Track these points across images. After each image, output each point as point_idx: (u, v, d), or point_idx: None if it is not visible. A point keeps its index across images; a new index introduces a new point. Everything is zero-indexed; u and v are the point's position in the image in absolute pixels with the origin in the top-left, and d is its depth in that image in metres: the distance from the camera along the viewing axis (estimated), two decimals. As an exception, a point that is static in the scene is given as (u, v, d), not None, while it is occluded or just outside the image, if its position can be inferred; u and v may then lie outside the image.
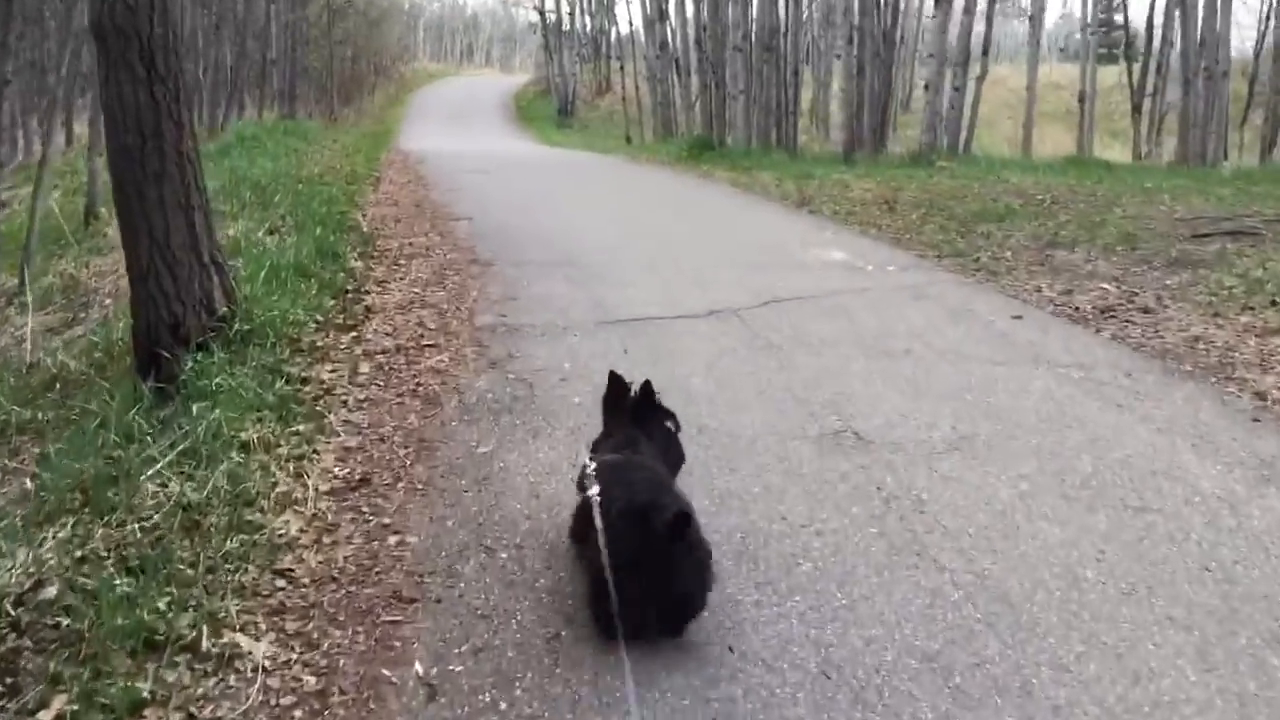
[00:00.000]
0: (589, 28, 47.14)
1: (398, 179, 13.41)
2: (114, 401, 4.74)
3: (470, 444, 4.38)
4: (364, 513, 3.79)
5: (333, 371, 5.20)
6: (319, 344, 5.53)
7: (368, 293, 6.62)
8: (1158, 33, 23.91)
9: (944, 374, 5.37)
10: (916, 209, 11.08)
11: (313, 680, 2.81)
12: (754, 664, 2.87)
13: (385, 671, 2.84)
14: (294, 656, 2.90)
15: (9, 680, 2.78)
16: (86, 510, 3.77)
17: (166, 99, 5.22)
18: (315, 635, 3.00)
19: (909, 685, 2.79)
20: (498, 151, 22.53)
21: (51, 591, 3.17)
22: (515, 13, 68.23)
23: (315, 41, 35.13)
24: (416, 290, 6.81)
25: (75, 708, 2.63)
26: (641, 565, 2.83)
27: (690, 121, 27.32)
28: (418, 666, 2.86)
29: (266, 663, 2.86)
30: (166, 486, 3.90)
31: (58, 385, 5.44)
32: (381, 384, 5.07)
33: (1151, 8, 24.55)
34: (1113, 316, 6.77)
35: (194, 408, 4.44)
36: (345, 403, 4.81)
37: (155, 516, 3.72)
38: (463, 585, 3.27)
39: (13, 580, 3.19)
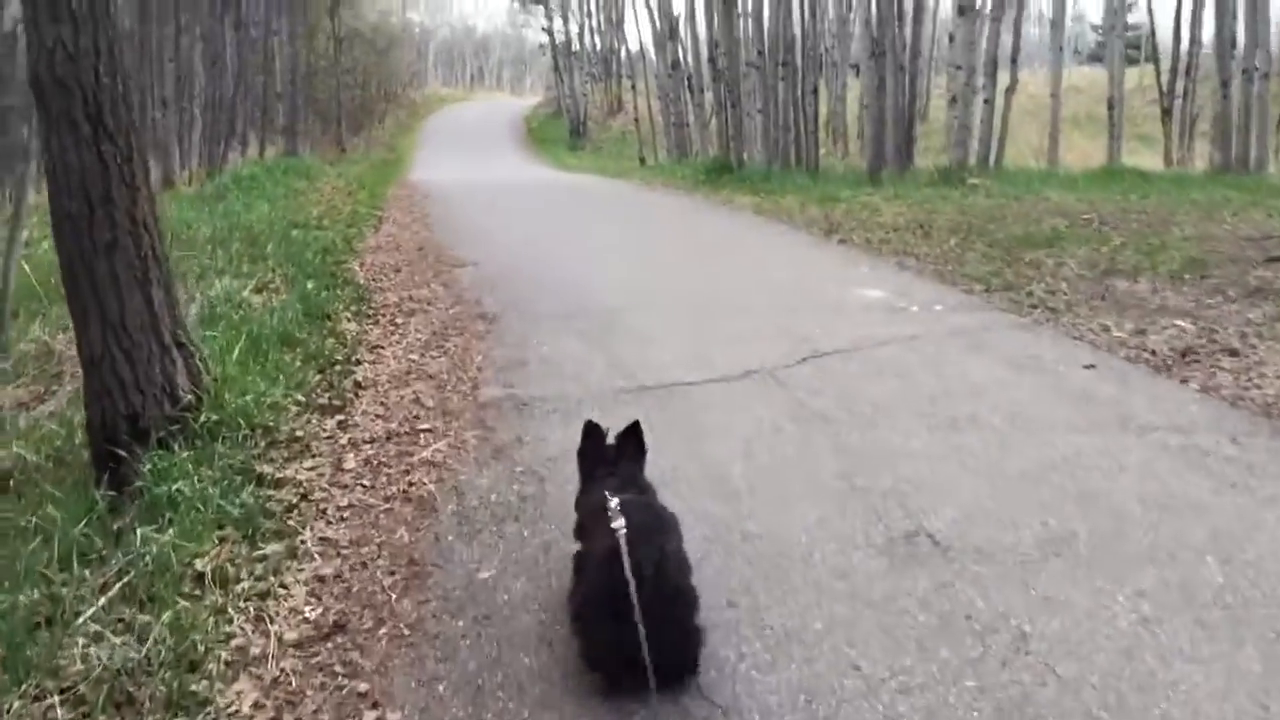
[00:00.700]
0: (598, 47, 46.62)
1: (401, 219, 12.74)
2: (62, 510, 4.07)
3: (469, 566, 3.65)
4: (337, 674, 3.07)
5: (312, 469, 4.49)
6: (298, 433, 4.82)
7: (359, 363, 5.92)
8: (1185, 33, 23.11)
9: (1021, 448, 4.61)
10: (954, 234, 10.33)
11: None
12: None
13: None
14: None
15: None
16: (3, 674, 3.09)
17: (117, 159, 4.55)
18: None
19: None
20: (508, 180, 21.93)
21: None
22: (525, 34, 67.72)
23: (322, 72, 34.65)
24: (414, 357, 6.10)
25: None
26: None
27: (705, 140, 26.66)
28: None
29: None
30: (100, 640, 3.21)
31: (10, 482, 4.76)
32: (368, 484, 4.35)
33: (1179, 7, 23.67)
34: (1195, 361, 6.01)
35: (138, 533, 3.73)
36: (324, 512, 4.09)
37: (82, 686, 3.02)
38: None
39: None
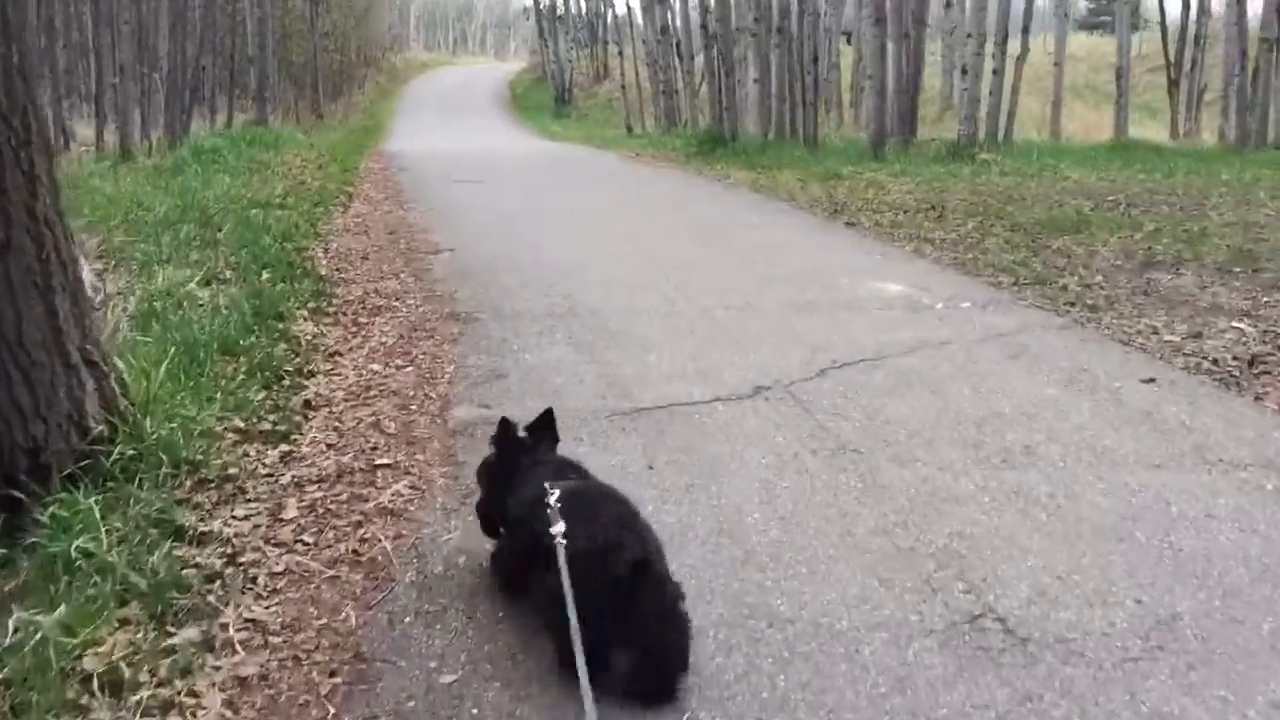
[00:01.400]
0: (584, 11, 45.45)
1: (373, 195, 11.89)
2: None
3: (429, 665, 2.90)
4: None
5: (245, 518, 3.72)
6: (232, 470, 4.04)
7: (312, 375, 5.13)
8: (1194, 0, 22.32)
9: (1091, 491, 3.89)
10: (970, 217, 9.58)
11: None
12: None
13: None
14: None
15: None
16: None
17: (12, 143, 3.76)
18: None
19: None
20: (491, 150, 21.06)
21: None
22: (509, -2, 66.27)
23: (298, 35, 33.51)
24: (376, 367, 5.31)
25: None
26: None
27: (695, 109, 25.74)
28: None
29: None
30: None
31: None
32: (310, 540, 3.59)
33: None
34: (1265, 371, 5.31)
35: (12, 618, 2.98)
36: (253, 581, 3.33)
37: None
38: None
39: None
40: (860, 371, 5.25)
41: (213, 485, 3.94)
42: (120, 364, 4.66)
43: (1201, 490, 3.89)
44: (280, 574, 3.38)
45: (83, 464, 3.84)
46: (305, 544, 3.55)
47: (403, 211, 10.54)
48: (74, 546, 3.38)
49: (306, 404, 4.72)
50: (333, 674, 2.87)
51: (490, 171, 15.18)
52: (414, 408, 4.76)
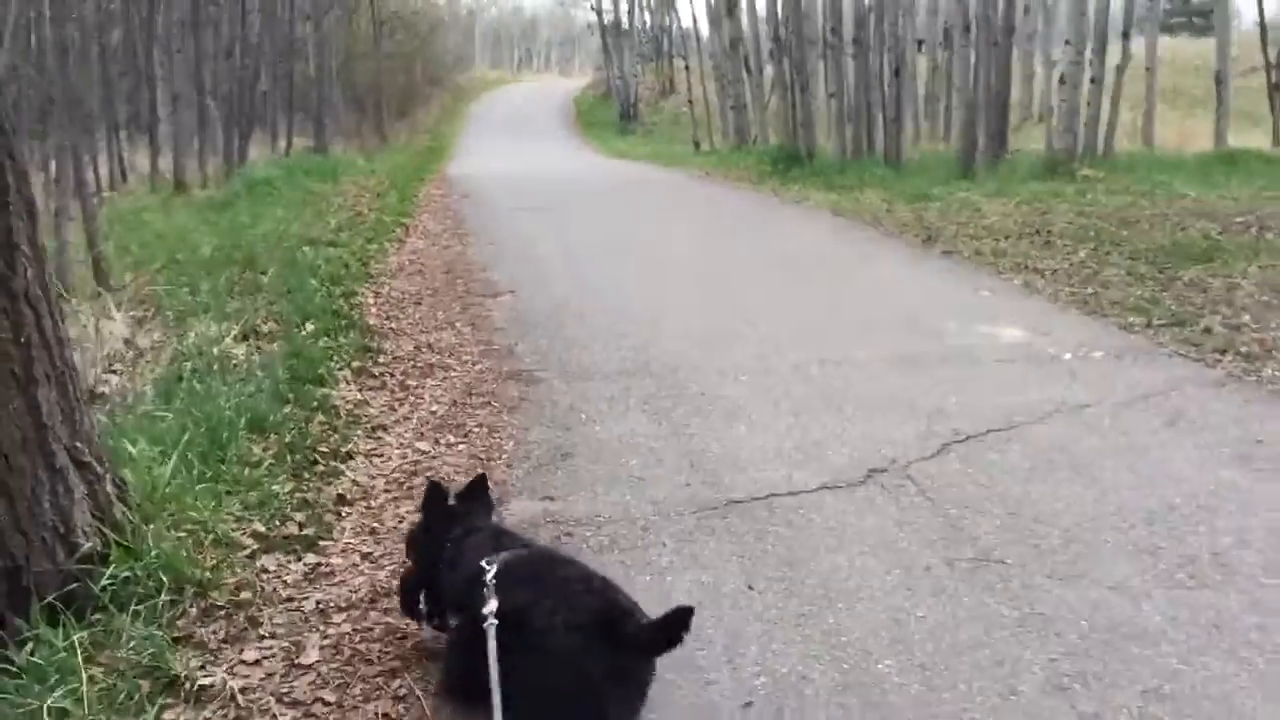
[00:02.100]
0: (649, 25, 44.84)
1: (431, 227, 11.27)
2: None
3: None
4: None
5: (256, 662, 3.04)
6: (244, 592, 3.36)
7: (351, 456, 4.45)
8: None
9: (1320, 630, 3.04)
10: (1081, 243, 8.67)
11: None
12: None
13: None
14: None
15: None
16: None
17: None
18: None
19: None
20: (555, 170, 20.46)
21: None
22: (573, 14, 65.99)
23: (363, 57, 33.33)
24: (423, 446, 4.60)
25: None
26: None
27: (764, 124, 24.91)
28: None
29: None
30: None
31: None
32: (332, 699, 2.88)
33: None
34: None
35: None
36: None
37: None
38: None
39: None
40: (990, 446, 4.44)
41: (222, 613, 3.26)
42: (131, 448, 4.06)
43: None
44: (291, 757, 2.68)
45: (70, 587, 3.21)
46: (326, 703, 2.85)
47: (461, 246, 9.89)
48: (47, 706, 2.74)
49: (340, 498, 4.03)
50: None
51: (554, 196, 14.54)
52: (466, 501, 4.05)
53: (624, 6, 43.08)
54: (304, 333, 6.05)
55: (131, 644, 3.02)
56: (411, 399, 5.24)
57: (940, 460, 4.31)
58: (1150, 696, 2.75)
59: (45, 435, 3.26)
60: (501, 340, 6.30)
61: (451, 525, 2.92)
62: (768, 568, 3.47)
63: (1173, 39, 42.38)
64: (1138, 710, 2.69)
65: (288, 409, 4.82)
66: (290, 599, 3.37)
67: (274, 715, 2.81)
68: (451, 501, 3.04)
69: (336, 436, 4.62)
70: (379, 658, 3.04)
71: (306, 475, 4.21)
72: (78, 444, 3.41)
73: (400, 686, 2.90)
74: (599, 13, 44.76)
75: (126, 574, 3.25)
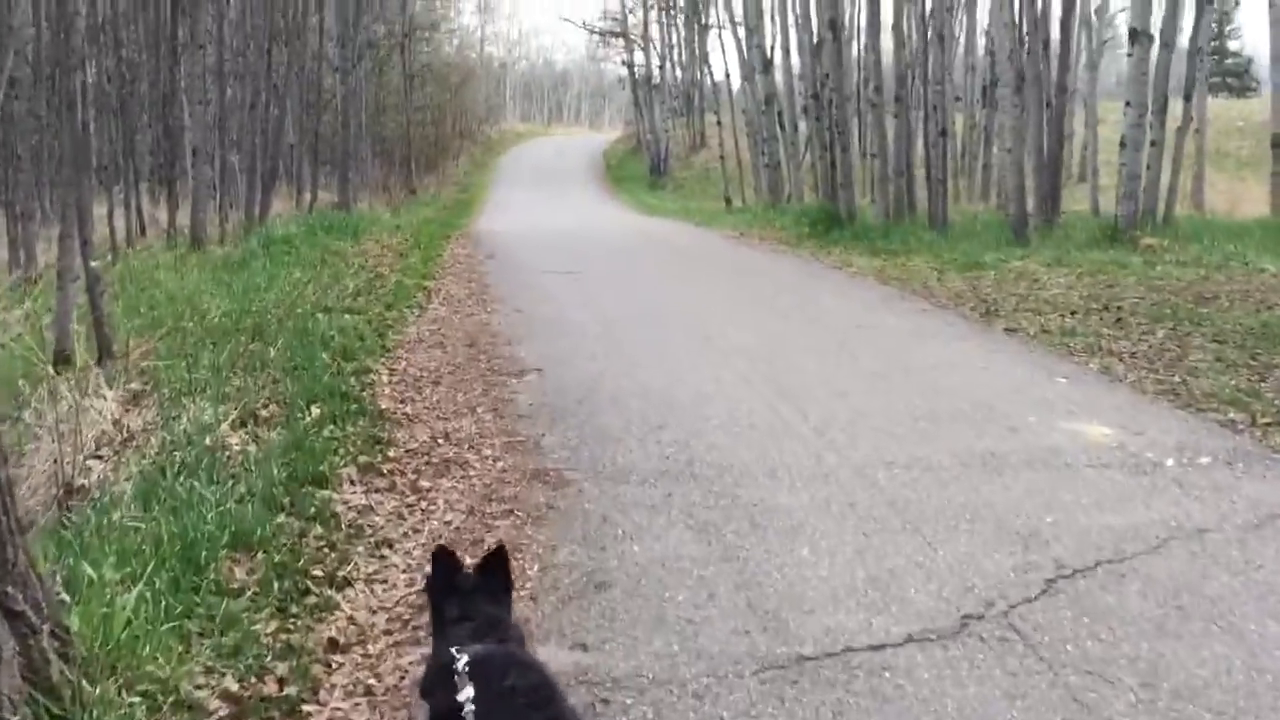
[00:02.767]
0: (680, 79, 44.67)
1: (455, 291, 10.69)
2: None
3: None
4: None
5: None
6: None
7: (349, 583, 3.80)
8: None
9: None
10: (1157, 322, 7.98)
11: None
12: None
13: None
14: None
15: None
16: None
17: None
18: None
19: None
20: (583, 227, 19.98)
21: None
22: (604, 68, 66.15)
23: (392, 109, 33.18)
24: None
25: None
26: None
27: (798, 182, 24.38)
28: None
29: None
30: None
31: None
32: None
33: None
34: None
35: None
36: None
37: None
38: None
39: None
40: (1103, 585, 3.74)
41: (172, 812, 2.61)
42: (92, 571, 3.44)
43: None
44: None
45: (-12, 772, 2.59)
46: None
47: (486, 315, 9.28)
48: None
49: (332, 643, 3.38)
50: None
51: (583, 257, 13.98)
52: (481, 649, 3.39)
53: (656, 61, 43.03)
54: (308, 419, 5.45)
55: None
56: (424, 505, 4.60)
57: (1047, 603, 3.61)
58: None
59: (-35, 578, 2.66)
60: (527, 430, 5.65)
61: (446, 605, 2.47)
62: (850, 758, 2.78)
63: (1213, 99, 41.84)
64: None
65: (280, 518, 4.20)
66: (259, 790, 2.71)
67: None
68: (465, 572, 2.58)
69: (334, 556, 3.98)
70: None
71: (294, 610, 3.56)
72: (8, 589, 2.80)
73: None
74: (630, 67, 44.74)
75: (57, 757, 2.62)
